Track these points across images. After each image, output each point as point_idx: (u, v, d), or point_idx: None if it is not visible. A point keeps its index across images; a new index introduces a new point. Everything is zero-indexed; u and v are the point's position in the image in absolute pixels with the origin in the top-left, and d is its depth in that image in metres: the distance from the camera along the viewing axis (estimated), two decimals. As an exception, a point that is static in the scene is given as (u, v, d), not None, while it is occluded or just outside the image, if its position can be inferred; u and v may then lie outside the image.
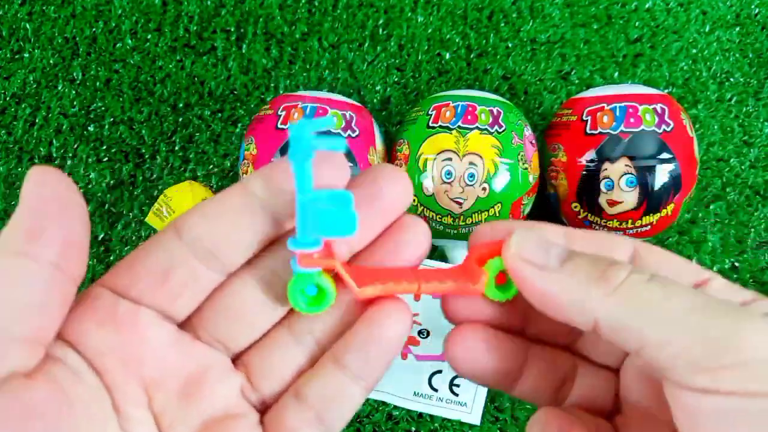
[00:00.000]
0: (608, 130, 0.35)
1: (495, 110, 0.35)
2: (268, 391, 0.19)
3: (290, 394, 0.19)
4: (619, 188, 0.34)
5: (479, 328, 0.19)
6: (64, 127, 0.45)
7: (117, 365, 0.17)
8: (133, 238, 0.43)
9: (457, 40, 0.45)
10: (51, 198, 0.16)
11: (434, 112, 0.36)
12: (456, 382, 0.38)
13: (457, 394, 0.38)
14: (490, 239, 0.19)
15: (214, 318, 0.18)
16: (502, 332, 0.19)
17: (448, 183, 0.34)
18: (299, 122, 0.15)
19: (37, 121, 0.45)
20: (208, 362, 0.19)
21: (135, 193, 0.43)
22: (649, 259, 0.18)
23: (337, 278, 0.18)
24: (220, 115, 0.45)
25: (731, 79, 0.44)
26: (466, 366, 0.19)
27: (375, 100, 0.45)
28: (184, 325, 0.19)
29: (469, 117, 0.35)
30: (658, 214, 0.35)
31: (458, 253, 0.38)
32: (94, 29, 0.47)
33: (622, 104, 0.35)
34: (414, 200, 0.35)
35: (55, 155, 0.44)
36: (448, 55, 0.45)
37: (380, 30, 0.46)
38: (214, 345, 0.19)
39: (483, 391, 0.38)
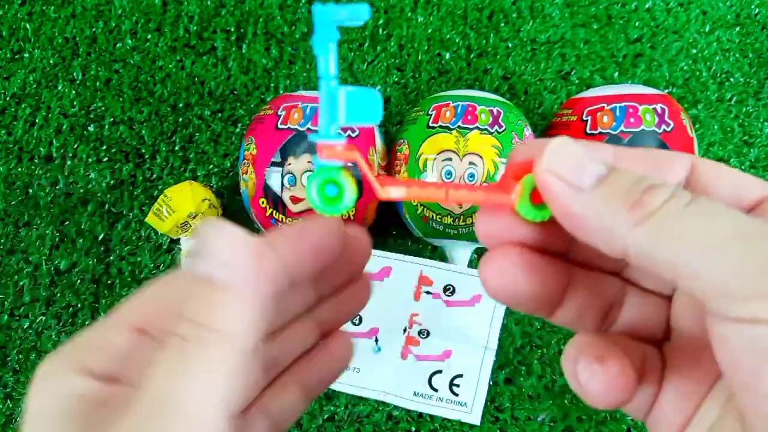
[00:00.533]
0: (608, 130, 0.35)
1: (495, 110, 0.35)
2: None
3: (258, 408, 0.20)
4: (619, 188, 0.34)
5: (516, 250, 0.17)
6: (64, 127, 0.45)
7: None
8: (133, 238, 0.43)
9: (457, 40, 0.45)
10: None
11: (434, 112, 0.36)
12: (456, 382, 0.38)
13: (457, 394, 0.38)
14: (529, 157, 0.17)
15: None
16: (542, 255, 0.18)
17: (448, 183, 0.34)
18: (325, 6, 0.15)
19: (37, 121, 0.45)
20: None
21: (135, 193, 0.43)
22: (708, 176, 0.17)
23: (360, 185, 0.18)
24: (220, 115, 0.45)
25: (731, 79, 0.44)
26: (500, 290, 0.17)
27: (375, 100, 0.45)
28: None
29: (469, 117, 0.35)
30: (658, 214, 0.35)
31: (458, 252, 0.38)
32: (94, 29, 0.47)
33: (622, 104, 0.35)
34: (414, 200, 0.35)
35: (55, 155, 0.44)
36: (448, 55, 0.45)
37: (380, 30, 0.46)
38: None
39: (483, 391, 0.38)
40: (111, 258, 0.42)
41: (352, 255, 0.20)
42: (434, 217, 0.35)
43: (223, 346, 0.14)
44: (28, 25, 0.47)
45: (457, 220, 0.35)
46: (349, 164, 0.16)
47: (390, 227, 0.42)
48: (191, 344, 0.14)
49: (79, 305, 0.42)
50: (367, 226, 0.39)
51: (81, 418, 0.15)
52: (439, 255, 0.41)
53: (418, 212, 0.36)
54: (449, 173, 0.34)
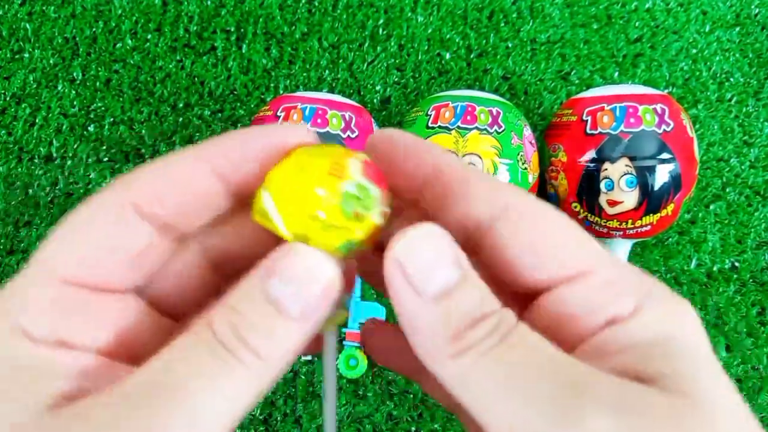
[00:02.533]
0: (608, 130, 0.34)
1: (494, 110, 0.35)
2: None
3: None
4: (620, 188, 0.34)
5: (390, 327, 0.20)
6: (64, 127, 0.45)
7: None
8: (133, 238, 0.43)
9: (457, 40, 0.45)
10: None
11: (433, 113, 0.36)
12: None
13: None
14: (388, 153, 0.17)
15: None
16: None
17: (448, 183, 0.34)
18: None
19: (37, 121, 0.45)
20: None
21: (135, 193, 0.43)
22: (525, 236, 0.15)
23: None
24: (220, 115, 0.45)
25: (731, 79, 0.44)
26: (380, 358, 0.20)
27: (375, 101, 0.45)
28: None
29: (468, 117, 0.35)
30: (658, 214, 0.35)
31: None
32: (94, 29, 0.47)
33: (622, 104, 0.35)
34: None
35: (55, 155, 0.44)
36: (448, 55, 0.45)
37: (380, 30, 0.46)
38: None
39: None
40: (111, 258, 0.42)
41: None
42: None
43: (256, 372, 0.14)
44: (28, 25, 0.47)
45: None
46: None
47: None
48: (226, 354, 0.14)
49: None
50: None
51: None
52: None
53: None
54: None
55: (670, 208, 0.35)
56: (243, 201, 0.17)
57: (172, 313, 0.18)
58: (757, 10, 0.46)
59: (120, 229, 0.15)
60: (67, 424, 0.13)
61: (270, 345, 0.14)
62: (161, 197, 0.16)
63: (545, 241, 0.15)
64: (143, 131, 0.45)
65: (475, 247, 0.16)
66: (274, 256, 0.15)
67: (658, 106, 0.35)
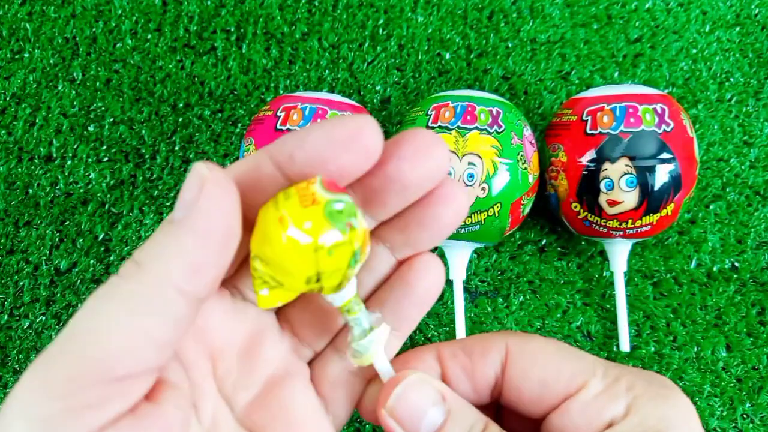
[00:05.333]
0: (608, 130, 0.35)
1: (494, 110, 0.35)
2: (314, 346, 0.20)
3: (332, 348, 0.20)
4: (619, 188, 0.34)
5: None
6: (64, 127, 0.45)
7: (188, 340, 0.17)
8: (134, 238, 0.43)
9: (457, 40, 0.45)
10: (218, 228, 0.15)
11: (433, 113, 0.36)
12: None
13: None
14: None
15: None
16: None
17: (448, 183, 0.34)
18: None
19: (37, 121, 0.45)
20: (261, 323, 0.19)
21: (135, 193, 0.43)
22: (521, 367, 0.18)
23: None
24: (220, 115, 0.45)
25: (731, 79, 0.44)
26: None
27: (375, 100, 0.45)
28: (228, 286, 0.19)
29: (468, 117, 0.35)
30: (658, 214, 0.35)
31: (455, 253, 0.38)
32: (94, 29, 0.47)
33: (622, 104, 0.35)
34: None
35: (55, 155, 0.44)
36: (448, 55, 0.45)
37: (380, 30, 0.46)
38: None
39: None
40: (111, 258, 0.43)
41: (402, 160, 0.17)
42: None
43: (153, 289, 0.14)
44: (28, 25, 0.47)
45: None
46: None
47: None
48: (125, 281, 0.14)
49: (79, 305, 0.42)
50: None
51: None
52: (439, 255, 0.41)
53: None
54: (448, 173, 0.34)
55: (670, 208, 0.35)
56: None
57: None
58: (757, 10, 0.46)
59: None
60: None
61: (160, 257, 0.15)
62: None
63: (547, 374, 0.18)
64: (143, 131, 0.45)
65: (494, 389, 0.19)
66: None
67: (658, 106, 0.35)
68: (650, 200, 0.34)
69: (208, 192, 0.14)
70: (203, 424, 0.17)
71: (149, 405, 0.15)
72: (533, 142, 0.37)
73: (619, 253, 0.38)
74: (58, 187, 0.44)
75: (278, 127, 0.35)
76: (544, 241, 0.42)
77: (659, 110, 0.35)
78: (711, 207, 0.42)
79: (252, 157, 0.17)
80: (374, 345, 0.18)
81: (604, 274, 0.41)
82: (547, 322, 0.40)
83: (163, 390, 0.16)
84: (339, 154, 0.16)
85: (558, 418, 0.18)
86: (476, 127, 0.34)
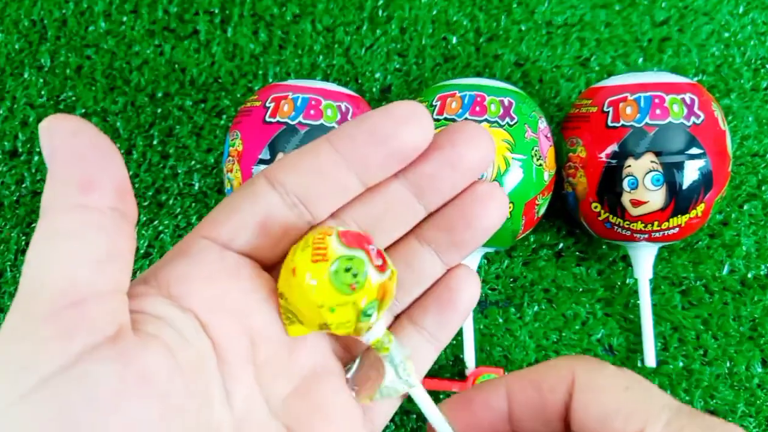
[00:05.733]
0: (632, 123, 0.34)
1: (506, 101, 0.35)
2: (353, 349, 0.22)
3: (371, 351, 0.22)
4: (644, 187, 0.34)
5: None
6: (30, 119, 0.45)
7: (227, 320, 0.19)
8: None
9: (464, 23, 0.45)
10: (88, 146, 0.17)
11: (439, 103, 0.35)
12: None
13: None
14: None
15: None
16: None
17: (455, 181, 0.34)
18: None
19: (0, 112, 0.45)
20: None
21: (109, 191, 0.43)
22: (586, 400, 0.19)
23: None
24: (203, 105, 0.45)
25: (767, 66, 0.44)
26: None
27: (374, 89, 0.45)
28: (273, 272, 0.21)
29: (477, 108, 0.35)
30: (687, 216, 0.35)
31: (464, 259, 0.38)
32: (63, 11, 0.46)
33: (647, 94, 0.35)
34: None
35: (20, 150, 0.44)
36: (454, 40, 0.45)
37: (380, 11, 0.46)
38: None
39: None
40: (82, 264, 0.42)
41: (458, 145, 0.21)
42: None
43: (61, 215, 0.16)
44: (-9, 7, 0.46)
45: (464, 222, 0.35)
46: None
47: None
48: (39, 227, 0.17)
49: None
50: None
51: None
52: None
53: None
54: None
55: (700, 208, 0.35)
56: None
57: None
58: (796, -10, 0.46)
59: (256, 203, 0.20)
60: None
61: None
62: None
63: (608, 411, 0.19)
64: (118, 123, 0.44)
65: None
66: None
67: (687, 96, 0.35)
68: (678, 200, 0.34)
69: (56, 134, 0.17)
70: (235, 409, 0.19)
71: (135, 341, 0.16)
72: (549, 135, 0.37)
73: (644, 258, 0.38)
74: (24, 185, 0.44)
75: (267, 119, 0.35)
76: (561, 245, 0.42)
77: (688, 100, 0.35)
78: (745, 207, 0.42)
79: (314, 144, 0.20)
80: (411, 389, 0.21)
81: (628, 281, 0.41)
82: (564, 334, 0.40)
83: (151, 338, 0.17)
84: (399, 130, 0.19)
85: None
86: (486, 120, 0.34)
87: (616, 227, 0.36)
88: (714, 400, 0.39)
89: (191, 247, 0.19)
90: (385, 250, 0.22)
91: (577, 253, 0.42)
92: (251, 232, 0.20)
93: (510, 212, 0.35)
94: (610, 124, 0.35)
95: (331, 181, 0.20)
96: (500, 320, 0.41)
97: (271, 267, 0.21)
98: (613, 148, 0.35)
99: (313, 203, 0.20)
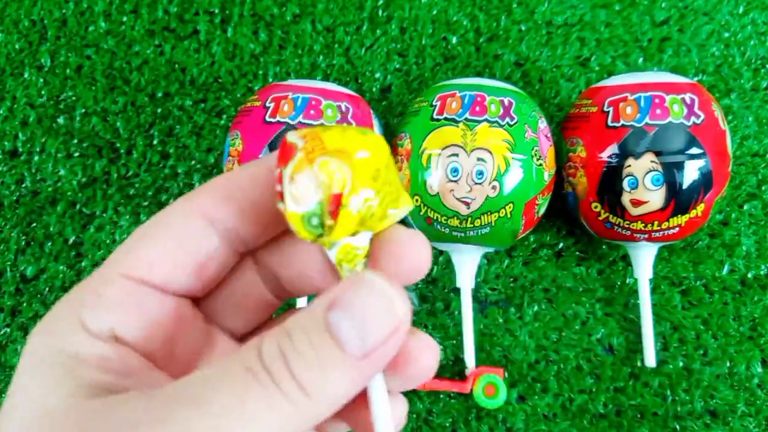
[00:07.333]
0: (632, 123, 0.34)
1: (506, 100, 0.35)
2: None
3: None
4: (644, 187, 0.34)
5: None
6: (30, 119, 0.45)
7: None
8: (107, 241, 0.43)
9: (464, 23, 0.45)
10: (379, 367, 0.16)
11: (439, 103, 0.35)
12: None
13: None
14: None
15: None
16: None
17: (455, 181, 0.34)
18: None
19: (0, 112, 0.45)
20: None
21: (109, 191, 0.43)
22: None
23: None
24: (203, 105, 0.45)
25: (767, 66, 0.44)
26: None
27: (374, 89, 0.45)
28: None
29: (477, 108, 0.35)
30: (687, 215, 0.35)
31: (463, 258, 0.38)
32: (64, 11, 0.46)
33: (647, 94, 0.35)
34: (417, 200, 0.35)
35: (21, 150, 0.44)
36: (454, 40, 0.45)
37: (380, 11, 0.46)
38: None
39: None
40: (83, 263, 0.42)
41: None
42: (439, 219, 0.35)
43: (299, 409, 0.14)
44: (-9, 7, 0.47)
45: (464, 222, 0.35)
46: None
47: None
48: (268, 380, 0.14)
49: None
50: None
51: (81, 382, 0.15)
52: (445, 260, 0.41)
53: (422, 213, 0.35)
54: (455, 170, 0.34)
55: (700, 208, 0.35)
56: None
57: (236, 333, 0.20)
58: (796, -10, 0.46)
59: (186, 234, 0.17)
60: (101, 412, 0.14)
61: (320, 382, 0.14)
62: (228, 200, 0.17)
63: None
64: (118, 123, 0.44)
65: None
66: (341, 285, 0.15)
67: (687, 96, 0.35)
68: (678, 200, 0.34)
69: (397, 340, 0.15)
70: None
71: None
72: (549, 135, 0.37)
73: (644, 258, 0.38)
74: (24, 185, 0.44)
75: (267, 119, 0.35)
76: (561, 245, 0.42)
77: (688, 100, 0.35)
78: (745, 207, 0.42)
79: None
80: None
81: (628, 281, 0.41)
82: (564, 334, 0.40)
83: None
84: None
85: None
86: (486, 120, 0.34)
87: (616, 227, 0.36)
88: (714, 400, 0.39)
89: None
90: None
91: (577, 252, 0.42)
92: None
93: (510, 212, 0.35)
94: (610, 124, 0.35)
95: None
96: (500, 320, 0.41)
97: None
98: (613, 148, 0.35)
99: None
